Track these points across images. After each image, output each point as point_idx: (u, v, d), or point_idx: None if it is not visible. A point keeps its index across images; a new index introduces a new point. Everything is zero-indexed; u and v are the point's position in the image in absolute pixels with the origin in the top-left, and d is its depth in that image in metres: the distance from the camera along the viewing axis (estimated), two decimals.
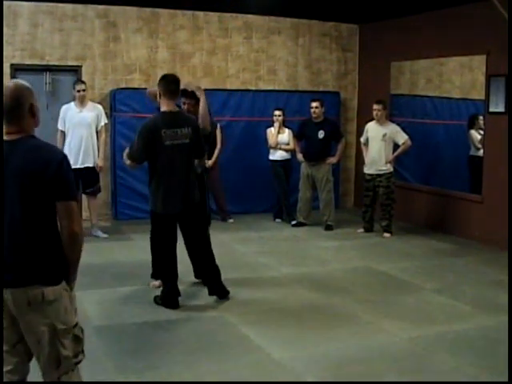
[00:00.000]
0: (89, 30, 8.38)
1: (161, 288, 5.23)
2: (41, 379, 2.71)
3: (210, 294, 5.30)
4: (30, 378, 2.78)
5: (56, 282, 2.58)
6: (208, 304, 5.21)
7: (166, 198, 4.93)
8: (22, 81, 2.70)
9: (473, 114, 8.02)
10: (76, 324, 2.67)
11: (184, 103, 5.47)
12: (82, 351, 2.71)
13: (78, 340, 2.67)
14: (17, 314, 2.55)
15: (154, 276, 5.52)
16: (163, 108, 4.95)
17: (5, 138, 2.58)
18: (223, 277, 5.55)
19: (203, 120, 5.34)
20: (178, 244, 5.16)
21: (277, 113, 8.52)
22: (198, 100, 5.42)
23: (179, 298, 5.12)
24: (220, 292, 5.29)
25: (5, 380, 2.61)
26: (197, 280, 5.68)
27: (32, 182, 2.52)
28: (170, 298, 5.07)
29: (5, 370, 2.61)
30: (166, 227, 5.05)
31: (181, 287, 5.24)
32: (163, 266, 5.16)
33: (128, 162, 5.15)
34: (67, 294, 2.63)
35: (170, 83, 4.93)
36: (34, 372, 2.75)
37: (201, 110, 5.36)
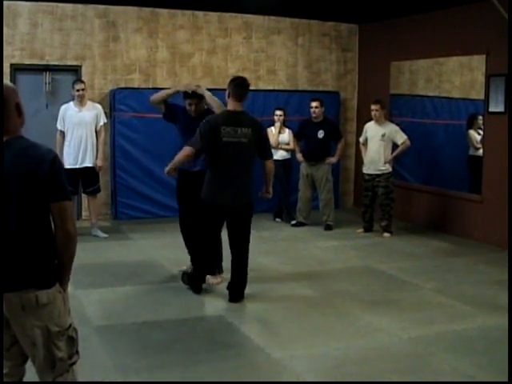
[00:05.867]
0: (88, 30, 8.37)
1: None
2: (37, 380, 2.70)
3: (231, 300, 5.26)
4: (26, 379, 2.77)
5: (50, 284, 2.55)
6: (208, 304, 5.22)
7: (217, 189, 5.15)
8: (5, 80, 2.66)
9: (472, 113, 8.02)
10: (70, 325, 2.65)
11: (190, 104, 5.61)
12: (77, 352, 2.70)
13: (72, 341, 2.66)
14: (10, 318, 2.53)
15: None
16: (228, 107, 5.23)
17: None
18: (224, 276, 5.58)
19: (218, 108, 5.46)
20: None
21: (278, 113, 8.52)
22: (200, 97, 5.58)
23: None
24: (235, 296, 5.28)
25: None
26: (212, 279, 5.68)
27: (25, 183, 2.48)
28: (193, 281, 5.37)
29: None
30: (211, 216, 5.23)
31: (184, 285, 5.31)
32: (199, 252, 5.39)
33: (189, 149, 5.14)
34: (61, 296, 2.61)
35: (237, 86, 5.18)
36: (33, 373, 2.74)
37: (210, 101, 5.52)
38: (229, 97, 5.20)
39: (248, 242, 5.36)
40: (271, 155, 5.45)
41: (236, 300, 5.25)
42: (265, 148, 5.32)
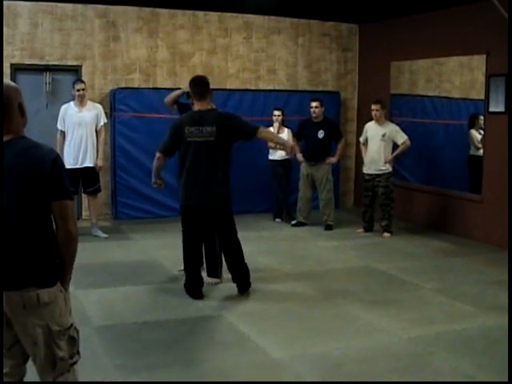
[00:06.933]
0: (89, 30, 8.38)
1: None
2: (38, 380, 2.70)
3: (240, 291, 5.40)
4: (27, 379, 2.77)
5: (51, 283, 2.56)
6: (208, 304, 5.21)
7: (188, 190, 5.22)
8: (8, 80, 2.67)
9: (473, 113, 8.01)
10: (71, 325, 2.65)
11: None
12: (78, 352, 2.70)
13: (74, 341, 2.66)
14: (11, 317, 2.53)
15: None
16: (195, 108, 5.35)
17: None
18: (224, 276, 5.59)
19: None
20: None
21: (276, 113, 8.52)
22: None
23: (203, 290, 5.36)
24: (243, 287, 5.41)
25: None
26: (210, 279, 5.69)
27: (26, 183, 2.48)
28: (188, 287, 5.34)
29: None
30: (186, 218, 5.34)
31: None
32: (183, 256, 5.42)
33: (157, 154, 5.38)
34: (62, 296, 2.61)
35: (194, 86, 5.31)
36: (33, 373, 2.75)
37: None
38: (193, 98, 5.35)
39: (234, 236, 5.36)
40: (255, 128, 5.27)
41: (244, 290, 5.37)
42: (242, 131, 5.22)
